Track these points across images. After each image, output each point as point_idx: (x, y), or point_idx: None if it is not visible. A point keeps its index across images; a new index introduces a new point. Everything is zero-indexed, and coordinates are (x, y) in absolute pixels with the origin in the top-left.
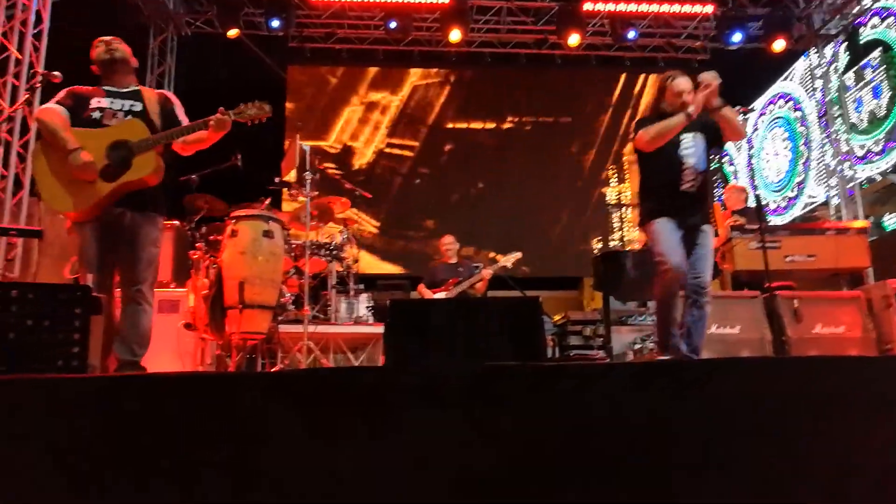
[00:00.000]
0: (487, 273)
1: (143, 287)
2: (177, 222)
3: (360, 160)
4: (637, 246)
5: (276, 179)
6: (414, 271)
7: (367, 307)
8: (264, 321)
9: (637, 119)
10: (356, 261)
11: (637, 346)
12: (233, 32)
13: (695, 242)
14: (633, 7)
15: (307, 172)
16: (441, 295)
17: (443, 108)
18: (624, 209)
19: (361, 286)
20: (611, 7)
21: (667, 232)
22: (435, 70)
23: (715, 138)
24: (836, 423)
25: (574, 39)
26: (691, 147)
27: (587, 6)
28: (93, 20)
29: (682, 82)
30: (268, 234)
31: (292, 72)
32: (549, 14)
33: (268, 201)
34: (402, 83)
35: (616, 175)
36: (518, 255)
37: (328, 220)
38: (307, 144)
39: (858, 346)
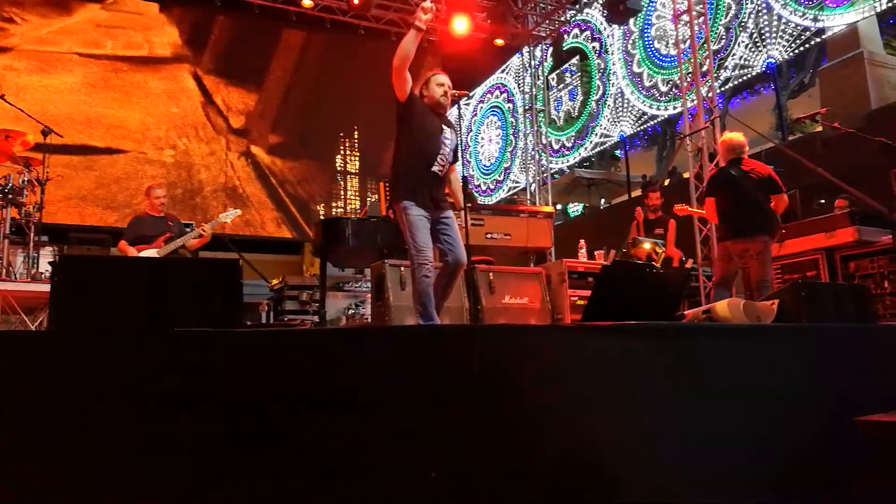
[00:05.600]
0: (207, 231)
1: None
2: None
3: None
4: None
5: None
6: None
7: (51, 262)
8: None
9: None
10: (41, 208)
11: (350, 312)
12: None
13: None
14: None
15: None
16: (151, 252)
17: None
18: (349, 177)
19: (46, 238)
20: None
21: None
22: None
23: None
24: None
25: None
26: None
27: None
28: None
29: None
30: None
31: None
32: None
33: None
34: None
35: (347, 142)
36: (237, 212)
37: (4, 159)
38: None
39: (537, 315)
